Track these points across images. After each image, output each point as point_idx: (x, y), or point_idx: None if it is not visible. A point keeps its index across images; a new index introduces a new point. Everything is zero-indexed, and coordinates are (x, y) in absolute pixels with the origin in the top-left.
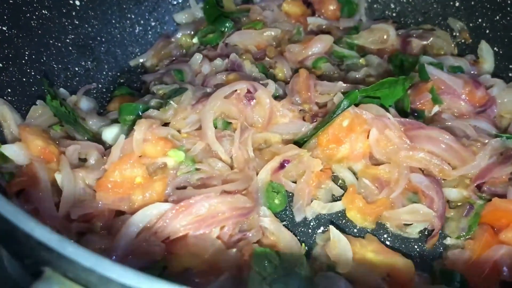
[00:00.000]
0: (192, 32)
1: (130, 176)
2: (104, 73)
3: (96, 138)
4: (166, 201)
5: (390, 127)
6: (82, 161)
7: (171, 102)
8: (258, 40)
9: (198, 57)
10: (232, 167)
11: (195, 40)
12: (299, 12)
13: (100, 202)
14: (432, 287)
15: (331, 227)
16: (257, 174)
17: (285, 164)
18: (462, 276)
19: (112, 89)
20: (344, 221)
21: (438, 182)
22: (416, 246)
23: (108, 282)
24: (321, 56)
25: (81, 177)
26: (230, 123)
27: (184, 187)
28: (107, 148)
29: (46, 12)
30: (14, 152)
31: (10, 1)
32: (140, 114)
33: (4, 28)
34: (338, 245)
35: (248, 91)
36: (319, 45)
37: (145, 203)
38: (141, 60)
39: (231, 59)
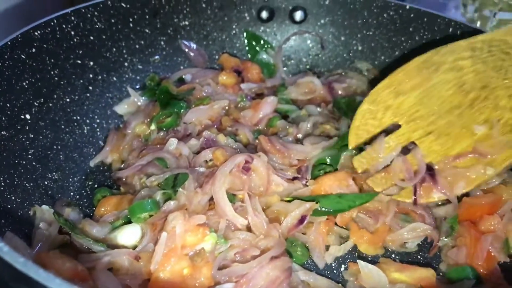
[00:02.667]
0: (147, 120)
1: (178, 270)
2: (71, 180)
3: (106, 244)
4: (218, 283)
5: None
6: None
7: (181, 189)
8: (210, 113)
9: (173, 141)
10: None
11: (152, 127)
12: (233, 82)
13: None
14: (453, 285)
15: (359, 261)
16: None
17: (304, 219)
18: (471, 267)
19: (84, 194)
20: (358, 253)
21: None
22: (419, 256)
23: None
24: (274, 116)
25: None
26: (235, 195)
27: (225, 266)
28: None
29: (4, 132)
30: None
31: None
32: (151, 208)
33: None
34: (371, 274)
35: (245, 162)
36: (267, 106)
37: None
38: (99, 159)
39: (205, 137)
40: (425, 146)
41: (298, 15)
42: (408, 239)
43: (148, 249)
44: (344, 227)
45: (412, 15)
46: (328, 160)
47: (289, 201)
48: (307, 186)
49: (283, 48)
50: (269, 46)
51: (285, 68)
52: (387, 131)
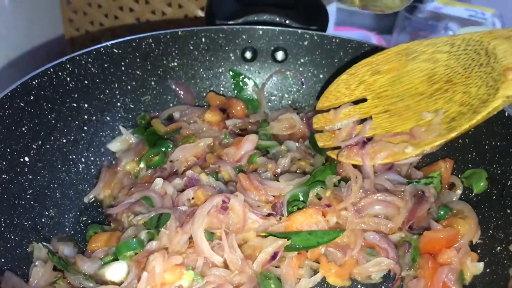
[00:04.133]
0: (137, 158)
1: None
2: (66, 216)
3: (95, 279)
4: None
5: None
6: None
7: (163, 229)
8: (196, 151)
9: (158, 181)
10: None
11: (141, 165)
12: (218, 119)
13: None
14: None
15: None
16: None
17: (277, 255)
18: None
19: (78, 229)
20: (326, 285)
21: (386, 235)
22: (383, 287)
23: None
24: (254, 153)
25: None
26: (213, 233)
27: None
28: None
29: (5, 176)
30: None
31: None
32: (135, 247)
33: None
34: None
35: (223, 203)
36: (248, 144)
37: None
38: (93, 195)
39: (188, 176)
40: (377, 121)
41: (280, 55)
42: (373, 272)
43: (132, 285)
44: (314, 261)
45: None
46: (300, 197)
47: (265, 236)
48: (281, 222)
49: (266, 85)
50: (253, 83)
51: (269, 103)
52: (354, 102)
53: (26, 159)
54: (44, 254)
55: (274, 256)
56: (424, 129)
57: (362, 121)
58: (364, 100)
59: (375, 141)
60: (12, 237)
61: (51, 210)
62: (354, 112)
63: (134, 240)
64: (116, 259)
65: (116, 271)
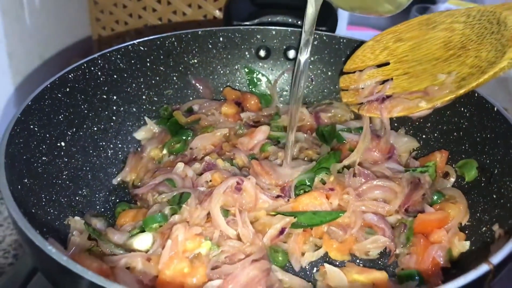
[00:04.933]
0: (160, 146)
1: (180, 269)
2: (97, 195)
3: (124, 248)
4: (210, 279)
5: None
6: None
7: (184, 205)
8: (213, 140)
9: (180, 165)
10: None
11: (164, 151)
12: (234, 112)
13: None
14: (402, 285)
15: (326, 265)
16: None
17: (284, 230)
18: (417, 271)
19: (108, 207)
20: (328, 259)
21: (384, 217)
22: (379, 262)
23: None
24: (266, 142)
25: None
26: (228, 210)
27: (216, 266)
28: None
29: (45, 158)
30: None
31: (24, 157)
32: (160, 220)
33: (25, 180)
34: (334, 275)
35: (237, 184)
36: (261, 134)
37: (197, 285)
38: (120, 178)
39: (206, 161)
40: (397, 82)
41: (291, 53)
42: (370, 249)
43: (157, 252)
44: (318, 238)
45: None
46: (307, 181)
47: (273, 215)
48: (289, 203)
49: (278, 82)
50: (266, 79)
51: (281, 98)
52: (377, 66)
53: (62, 144)
54: (79, 225)
55: (281, 231)
56: (437, 88)
57: (384, 82)
58: (386, 64)
59: (393, 98)
60: (51, 211)
61: (84, 190)
62: (377, 74)
63: (159, 214)
64: (142, 232)
65: (142, 241)
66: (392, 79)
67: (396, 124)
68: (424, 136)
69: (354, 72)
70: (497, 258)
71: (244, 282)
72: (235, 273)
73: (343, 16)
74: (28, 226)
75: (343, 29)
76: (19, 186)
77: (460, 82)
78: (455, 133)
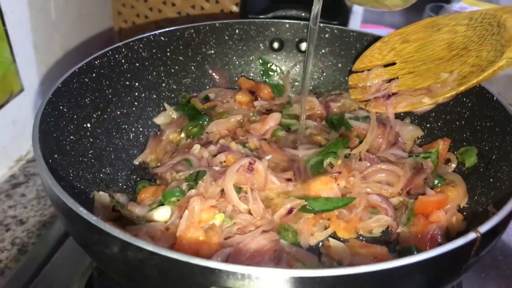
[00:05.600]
0: (178, 130)
1: (196, 237)
2: (119, 174)
3: (145, 220)
4: (223, 247)
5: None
6: None
7: (200, 182)
8: (227, 125)
9: (196, 146)
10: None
11: (182, 135)
12: (248, 100)
13: None
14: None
15: (330, 239)
16: None
17: (292, 210)
18: (416, 247)
19: (129, 185)
20: (334, 237)
21: (387, 198)
22: (381, 240)
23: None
24: (277, 128)
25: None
26: (241, 188)
27: (229, 237)
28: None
29: (72, 137)
30: None
31: (54, 134)
32: (178, 194)
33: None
34: (338, 248)
35: (249, 164)
36: (272, 121)
37: (211, 253)
38: (141, 159)
39: (220, 144)
40: (402, 81)
41: (303, 46)
42: (374, 227)
43: (175, 223)
44: (327, 219)
45: None
46: (315, 164)
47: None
48: (298, 186)
49: (290, 72)
50: (279, 70)
51: (293, 88)
52: (384, 66)
53: (88, 125)
54: (103, 199)
55: (290, 211)
56: (439, 85)
57: (390, 81)
58: (393, 64)
59: (398, 95)
60: (78, 185)
61: (107, 168)
62: (384, 73)
63: (177, 189)
64: (161, 206)
65: (162, 213)
66: (398, 78)
67: (402, 114)
68: (428, 125)
69: (362, 71)
70: (484, 228)
71: (254, 249)
72: (245, 241)
73: (357, 14)
74: (61, 191)
75: (356, 27)
76: (50, 160)
77: (461, 80)
78: (457, 122)
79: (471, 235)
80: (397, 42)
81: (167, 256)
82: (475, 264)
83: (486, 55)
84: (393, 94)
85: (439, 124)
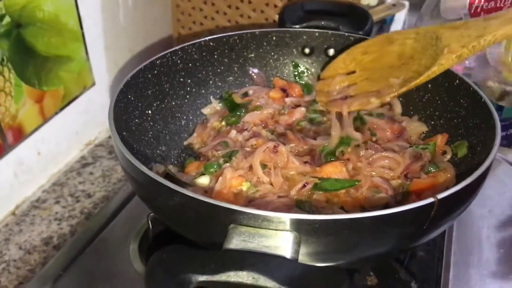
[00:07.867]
0: (220, 119)
1: (227, 198)
2: (172, 152)
3: (190, 185)
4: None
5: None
6: None
7: (234, 158)
8: (260, 116)
9: (233, 132)
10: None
11: (223, 123)
12: (280, 97)
13: None
14: None
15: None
16: None
17: (306, 185)
18: None
19: (179, 161)
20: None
21: (388, 180)
22: None
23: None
24: (301, 120)
25: None
26: (266, 165)
27: (252, 200)
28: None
29: (137, 120)
30: None
31: (123, 117)
32: (216, 167)
33: (124, 133)
34: None
35: (274, 147)
36: (298, 114)
37: None
38: (189, 141)
39: (253, 130)
40: (360, 85)
41: (331, 51)
42: (375, 203)
43: (212, 187)
44: None
45: None
46: (329, 152)
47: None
48: (314, 169)
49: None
50: (309, 72)
51: None
52: (347, 73)
53: (149, 112)
54: (159, 168)
55: (304, 185)
56: (387, 88)
57: (349, 86)
58: (353, 72)
59: (353, 97)
60: (140, 158)
61: (162, 147)
62: (346, 80)
63: (215, 163)
64: (202, 175)
65: (202, 180)
66: (356, 83)
67: (412, 112)
68: (432, 122)
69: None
70: (442, 195)
71: (270, 209)
72: (264, 203)
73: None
74: (131, 156)
75: None
76: (120, 136)
77: (404, 83)
78: (455, 120)
79: (430, 199)
80: (358, 53)
81: (203, 200)
82: (437, 227)
83: (425, 62)
84: (351, 96)
85: (441, 121)
